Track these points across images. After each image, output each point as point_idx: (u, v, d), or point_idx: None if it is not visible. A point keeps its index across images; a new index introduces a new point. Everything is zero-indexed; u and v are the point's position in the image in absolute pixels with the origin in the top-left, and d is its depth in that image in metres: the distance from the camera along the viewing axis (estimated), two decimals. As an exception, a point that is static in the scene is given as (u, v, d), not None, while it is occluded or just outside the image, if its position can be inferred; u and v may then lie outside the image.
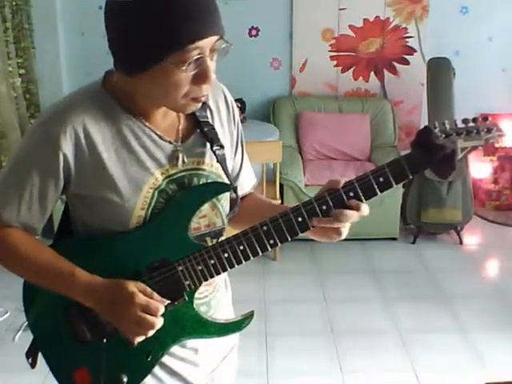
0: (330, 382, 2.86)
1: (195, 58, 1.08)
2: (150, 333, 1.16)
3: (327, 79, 4.85)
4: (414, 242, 4.36)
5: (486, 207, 4.89)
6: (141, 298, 1.14)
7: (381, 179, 1.18)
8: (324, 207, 1.19)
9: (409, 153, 1.19)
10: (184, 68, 1.08)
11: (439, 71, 4.40)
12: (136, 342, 1.17)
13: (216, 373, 1.44)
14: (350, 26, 4.74)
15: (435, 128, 1.17)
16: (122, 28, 1.10)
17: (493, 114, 4.80)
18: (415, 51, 4.79)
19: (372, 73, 4.85)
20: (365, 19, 4.73)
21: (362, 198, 1.19)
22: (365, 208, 1.19)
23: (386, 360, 3.02)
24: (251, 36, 4.75)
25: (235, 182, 1.42)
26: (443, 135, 1.16)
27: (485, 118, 1.21)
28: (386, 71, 4.84)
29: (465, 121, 1.20)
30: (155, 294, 1.17)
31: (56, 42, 4.58)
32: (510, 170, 4.87)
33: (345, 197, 1.18)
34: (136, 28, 1.08)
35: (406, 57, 4.81)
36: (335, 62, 4.82)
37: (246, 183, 1.47)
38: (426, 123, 4.39)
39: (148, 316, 1.14)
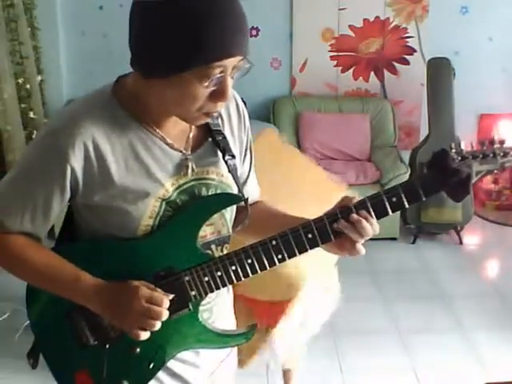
0: (330, 381, 2.86)
1: (217, 76, 1.07)
2: (157, 325, 1.14)
3: (327, 79, 4.85)
4: (414, 242, 4.36)
5: (486, 207, 4.89)
6: (145, 291, 1.13)
7: (393, 199, 1.17)
8: (335, 225, 1.19)
9: (423, 174, 1.18)
10: (205, 84, 1.07)
11: (439, 71, 4.40)
12: (142, 337, 1.15)
13: (216, 374, 1.43)
14: (349, 26, 4.74)
15: (451, 149, 1.17)
16: (151, 29, 1.06)
17: (493, 114, 4.81)
18: (415, 51, 4.79)
19: (372, 73, 4.85)
20: (365, 19, 4.73)
21: (373, 216, 1.19)
22: (375, 224, 1.19)
23: (386, 360, 3.02)
24: (251, 36, 4.75)
25: (243, 189, 1.40)
26: (459, 158, 1.16)
27: (502, 141, 1.20)
28: (386, 71, 4.84)
29: (481, 143, 1.19)
30: (158, 289, 1.16)
31: (56, 42, 4.58)
32: (510, 170, 4.87)
33: (356, 214, 1.18)
34: (166, 32, 1.04)
35: (406, 57, 4.81)
36: (335, 62, 4.82)
37: (254, 190, 1.45)
38: (426, 123, 4.40)
39: (153, 306, 1.13)
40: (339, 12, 4.71)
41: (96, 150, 1.14)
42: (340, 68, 4.84)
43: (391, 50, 4.80)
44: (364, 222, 1.17)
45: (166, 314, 1.14)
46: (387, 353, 3.07)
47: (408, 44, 4.79)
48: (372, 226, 1.18)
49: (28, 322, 1.33)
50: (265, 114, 4.77)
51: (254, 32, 4.75)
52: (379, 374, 2.92)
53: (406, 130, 4.90)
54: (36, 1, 4.30)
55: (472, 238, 4.51)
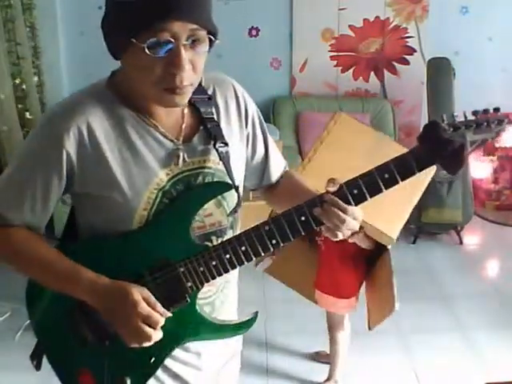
0: (330, 381, 2.86)
1: (163, 40, 1.05)
2: (146, 344, 1.14)
3: (327, 79, 4.85)
4: (414, 242, 4.36)
5: (486, 207, 4.89)
6: (143, 308, 1.13)
7: (386, 176, 1.14)
8: (315, 209, 1.17)
9: (415, 148, 1.15)
10: (147, 47, 1.05)
11: (439, 71, 4.39)
12: (132, 346, 1.16)
13: (220, 377, 1.43)
14: (349, 26, 4.74)
15: (443, 121, 1.13)
16: (107, 11, 1.12)
17: (493, 114, 4.81)
18: (415, 51, 4.79)
19: (372, 73, 4.85)
20: (365, 19, 4.73)
21: (367, 195, 1.16)
22: (353, 211, 1.17)
23: (386, 360, 3.02)
24: (251, 36, 4.75)
25: (264, 172, 1.42)
26: (451, 129, 1.13)
27: (496, 108, 1.18)
28: (386, 71, 4.84)
29: (475, 113, 1.16)
30: (158, 305, 1.16)
31: (56, 42, 4.57)
32: (510, 170, 4.87)
33: (348, 194, 1.16)
34: (114, 9, 1.09)
35: (406, 57, 4.81)
36: (335, 62, 4.82)
37: (278, 166, 1.45)
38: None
39: (147, 328, 1.13)
40: (339, 12, 4.71)
41: (90, 136, 1.16)
42: (340, 68, 4.83)
43: (391, 50, 4.80)
44: (336, 211, 1.15)
45: (157, 337, 1.15)
46: (387, 353, 3.07)
47: (408, 44, 4.79)
48: (353, 214, 1.16)
49: (28, 321, 1.33)
50: (265, 113, 4.77)
51: (254, 32, 4.75)
52: (379, 374, 2.92)
53: (406, 130, 4.90)
54: (35, 0, 4.30)
55: (472, 238, 4.51)
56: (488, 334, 3.20)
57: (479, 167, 4.85)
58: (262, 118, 1.41)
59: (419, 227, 4.36)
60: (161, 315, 1.15)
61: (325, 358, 2.90)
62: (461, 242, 4.34)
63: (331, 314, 2.71)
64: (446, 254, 4.24)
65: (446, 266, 4.06)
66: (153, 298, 1.16)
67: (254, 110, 1.37)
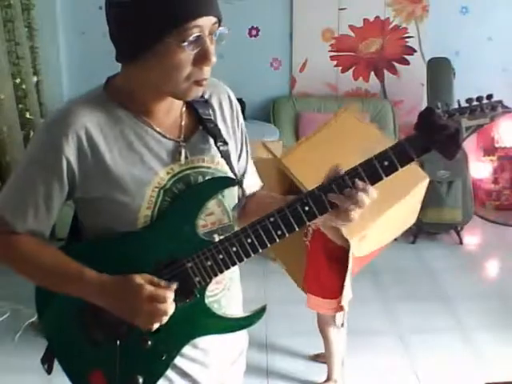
0: (330, 382, 2.86)
1: (195, 35, 1.09)
2: (164, 319, 1.15)
3: (327, 79, 4.85)
4: (413, 242, 4.36)
5: (486, 207, 4.89)
6: (148, 289, 1.13)
7: (385, 163, 1.16)
8: (330, 195, 1.18)
9: (412, 134, 1.17)
10: (184, 45, 1.09)
11: (439, 71, 4.40)
12: (154, 329, 1.16)
13: (226, 376, 1.43)
14: (349, 26, 4.75)
15: (438, 108, 1.16)
16: (123, 11, 1.12)
17: (493, 114, 4.81)
18: (415, 51, 4.79)
19: (372, 73, 4.86)
20: (365, 19, 4.73)
21: (368, 182, 1.17)
22: (372, 190, 1.17)
23: (386, 360, 3.01)
24: (251, 36, 4.75)
25: (242, 184, 1.41)
26: (446, 115, 1.15)
27: (489, 96, 1.19)
28: (386, 71, 4.84)
29: (468, 100, 1.19)
30: (162, 282, 1.16)
31: (56, 42, 4.58)
32: (510, 169, 4.87)
33: (350, 183, 1.17)
34: (136, 9, 1.09)
35: (406, 57, 4.81)
36: (335, 62, 4.82)
37: (254, 183, 1.47)
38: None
39: (158, 304, 1.13)
40: (339, 12, 4.72)
41: (89, 140, 1.17)
42: (340, 68, 4.84)
43: (391, 50, 4.80)
44: (359, 193, 1.15)
45: (171, 309, 1.15)
46: (387, 353, 3.07)
47: (408, 44, 4.79)
48: (368, 194, 1.17)
49: (27, 322, 1.33)
50: (265, 114, 4.77)
51: (254, 32, 4.75)
52: (379, 374, 2.92)
53: (406, 130, 4.89)
54: (34, 1, 4.30)
55: (472, 238, 4.51)
56: (488, 334, 3.20)
57: (479, 167, 4.85)
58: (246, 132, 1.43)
59: (419, 227, 4.35)
60: (166, 289, 1.16)
61: (325, 359, 2.90)
62: (461, 242, 4.35)
63: (321, 315, 2.71)
64: (445, 253, 4.25)
65: (446, 266, 4.06)
66: (155, 279, 1.16)
67: (242, 121, 1.41)
